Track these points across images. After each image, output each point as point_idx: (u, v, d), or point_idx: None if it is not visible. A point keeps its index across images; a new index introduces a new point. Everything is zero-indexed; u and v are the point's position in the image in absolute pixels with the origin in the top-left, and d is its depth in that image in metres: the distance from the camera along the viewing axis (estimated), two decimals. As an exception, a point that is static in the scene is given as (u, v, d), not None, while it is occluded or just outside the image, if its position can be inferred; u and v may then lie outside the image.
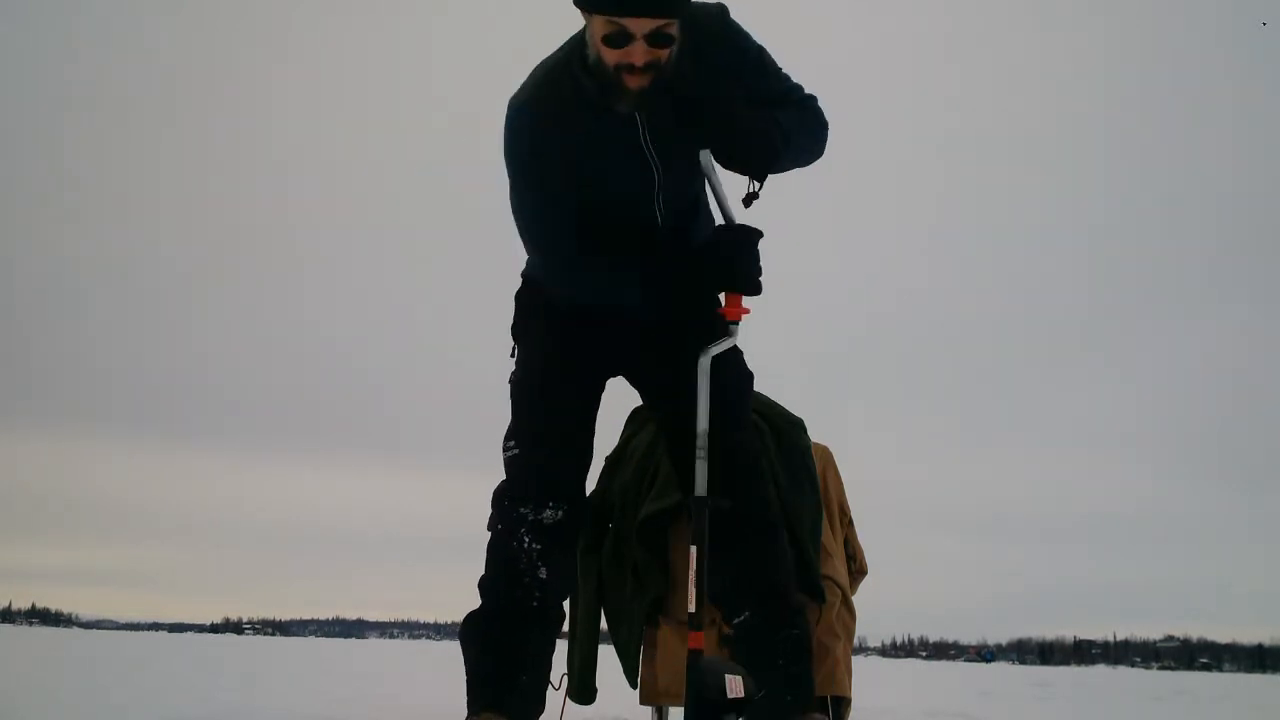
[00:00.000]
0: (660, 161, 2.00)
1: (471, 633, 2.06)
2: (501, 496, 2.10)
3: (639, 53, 1.81)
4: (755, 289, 1.99)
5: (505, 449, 2.14)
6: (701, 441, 1.94)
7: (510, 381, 2.21)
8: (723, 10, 1.97)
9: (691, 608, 1.83)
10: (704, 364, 1.98)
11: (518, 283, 2.27)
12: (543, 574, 2.03)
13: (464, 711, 2.00)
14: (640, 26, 1.79)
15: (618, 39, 1.80)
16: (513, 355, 2.24)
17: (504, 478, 2.14)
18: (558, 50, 1.98)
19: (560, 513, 2.06)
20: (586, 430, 2.18)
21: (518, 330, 2.25)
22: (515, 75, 2.05)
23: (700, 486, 1.91)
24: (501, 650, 2.01)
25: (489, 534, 2.09)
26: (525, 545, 2.03)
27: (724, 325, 2.01)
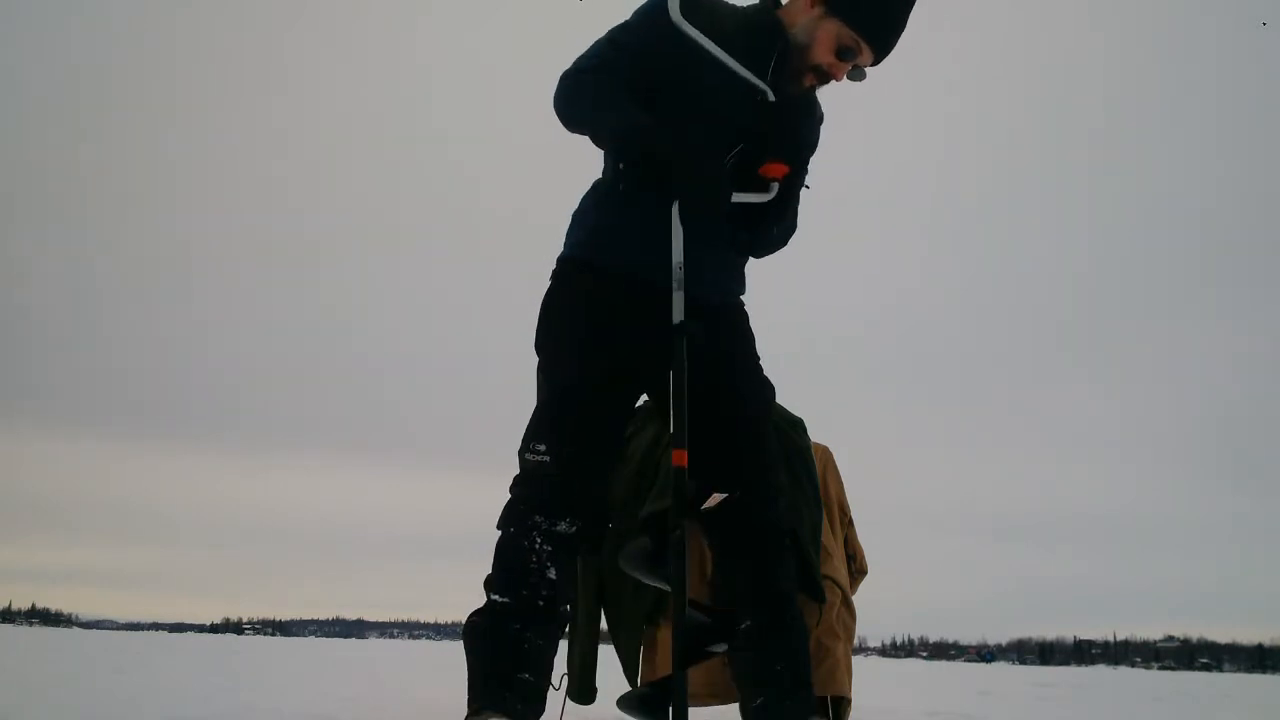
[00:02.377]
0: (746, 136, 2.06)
1: (476, 631, 2.05)
2: (518, 502, 2.06)
3: (842, 72, 2.04)
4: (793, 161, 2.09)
5: (531, 450, 2.06)
6: (678, 273, 1.98)
7: (542, 373, 2.14)
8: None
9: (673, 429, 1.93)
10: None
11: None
12: (552, 574, 2.02)
13: (464, 711, 2.00)
14: (867, 59, 2.02)
15: (848, 54, 2.02)
16: (539, 346, 2.17)
17: (520, 475, 2.07)
18: None
19: (576, 526, 2.04)
20: (618, 447, 2.18)
21: (555, 319, 2.16)
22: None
23: (677, 314, 1.97)
24: (505, 649, 2.01)
25: (499, 533, 2.07)
26: (536, 546, 2.02)
27: (762, 182, 2.07)
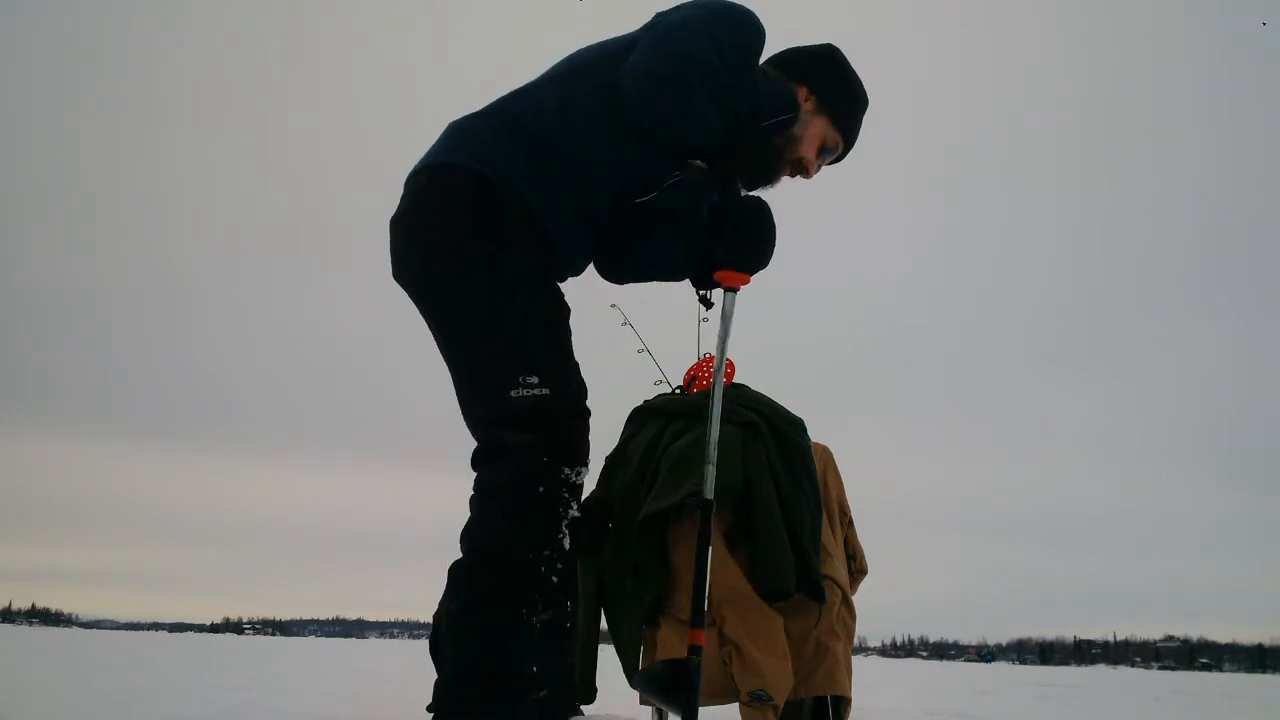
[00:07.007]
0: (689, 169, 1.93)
1: (497, 612, 1.67)
2: (539, 450, 1.70)
3: (813, 171, 2.02)
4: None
5: (523, 383, 1.71)
6: (713, 449, 1.96)
7: (496, 294, 1.77)
8: None
9: (701, 605, 1.87)
10: (719, 380, 1.99)
11: None
12: (567, 545, 1.74)
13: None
14: (829, 159, 2.03)
15: (826, 153, 2.02)
16: (480, 262, 1.79)
17: (520, 415, 1.71)
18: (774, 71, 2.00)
19: (584, 476, 1.79)
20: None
21: (500, 240, 1.80)
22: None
23: (708, 490, 1.95)
24: (530, 640, 1.68)
25: (514, 492, 1.71)
26: (567, 514, 1.73)
27: (726, 295, 1.95)
